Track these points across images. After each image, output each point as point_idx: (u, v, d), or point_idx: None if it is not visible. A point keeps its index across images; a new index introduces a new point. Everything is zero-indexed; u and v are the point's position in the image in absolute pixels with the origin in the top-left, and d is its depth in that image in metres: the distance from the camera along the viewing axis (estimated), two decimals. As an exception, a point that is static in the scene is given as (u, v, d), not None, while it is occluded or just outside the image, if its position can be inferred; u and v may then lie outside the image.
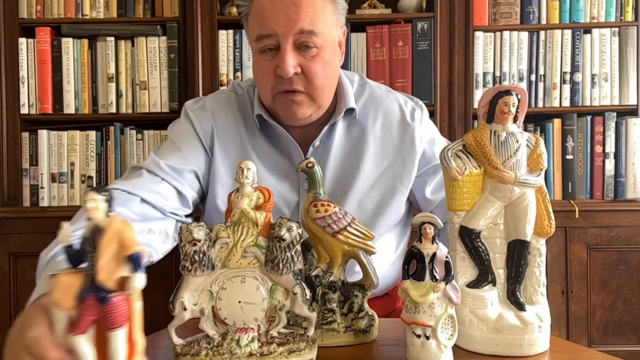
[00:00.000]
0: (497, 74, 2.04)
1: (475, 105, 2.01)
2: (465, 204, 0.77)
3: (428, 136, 1.16)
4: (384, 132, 1.13)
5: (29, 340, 0.59)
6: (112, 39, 2.05)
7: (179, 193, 1.05)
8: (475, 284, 0.76)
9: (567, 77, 2.03)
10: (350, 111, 1.12)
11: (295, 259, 0.70)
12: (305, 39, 0.99)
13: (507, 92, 0.75)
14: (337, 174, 1.11)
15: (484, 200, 0.77)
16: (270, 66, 1.01)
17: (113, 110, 2.06)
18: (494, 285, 0.77)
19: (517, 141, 0.76)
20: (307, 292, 0.71)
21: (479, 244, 0.76)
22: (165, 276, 2.00)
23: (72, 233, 0.60)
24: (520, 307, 0.76)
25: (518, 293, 0.76)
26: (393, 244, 1.18)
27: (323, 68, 1.02)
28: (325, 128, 1.10)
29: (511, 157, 0.75)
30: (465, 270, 0.77)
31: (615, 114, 2.04)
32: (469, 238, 0.76)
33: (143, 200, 0.99)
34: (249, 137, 1.12)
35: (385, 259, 1.15)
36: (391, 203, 1.12)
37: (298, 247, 0.70)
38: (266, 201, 0.71)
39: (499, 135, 0.76)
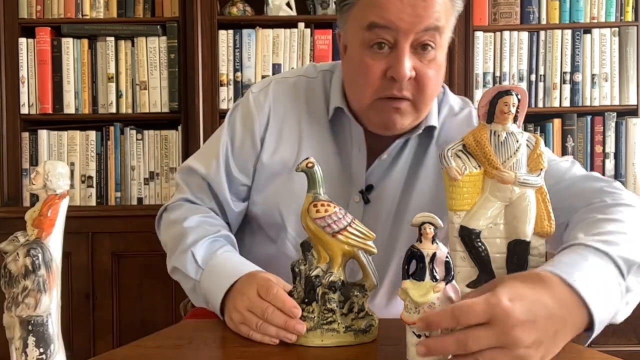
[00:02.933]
0: (497, 74, 2.04)
1: (476, 105, 2.01)
2: (465, 204, 0.77)
3: None
4: None
5: (271, 295, 0.77)
6: (112, 39, 2.05)
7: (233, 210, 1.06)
8: (475, 284, 0.76)
9: (567, 77, 2.03)
10: (429, 128, 0.99)
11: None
12: (428, 37, 0.87)
13: (507, 92, 0.75)
14: (398, 196, 1.01)
15: (484, 200, 0.77)
16: (379, 67, 0.89)
17: (113, 110, 2.06)
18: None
19: (517, 141, 0.76)
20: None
21: (479, 244, 0.76)
22: (165, 276, 2.00)
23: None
24: None
25: None
26: None
27: (436, 74, 0.91)
28: (398, 142, 0.98)
29: (511, 157, 0.75)
30: (465, 270, 0.77)
31: (615, 114, 2.04)
32: (469, 238, 0.76)
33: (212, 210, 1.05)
34: (312, 128, 1.02)
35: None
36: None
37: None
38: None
39: (499, 135, 0.76)
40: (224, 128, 1.06)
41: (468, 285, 0.76)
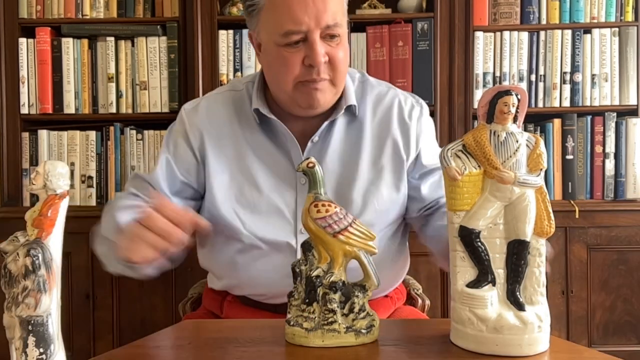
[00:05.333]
0: (497, 74, 2.04)
1: (476, 106, 2.01)
2: (465, 204, 0.77)
3: (424, 136, 1.16)
4: (382, 129, 1.14)
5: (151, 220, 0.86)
6: (112, 39, 2.05)
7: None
8: (474, 284, 0.76)
9: (567, 77, 2.03)
10: (349, 108, 1.13)
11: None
12: (331, 30, 1.02)
13: (507, 92, 0.75)
14: (336, 171, 1.12)
15: (484, 200, 0.77)
16: (297, 57, 1.03)
17: (113, 110, 2.06)
18: (494, 285, 0.77)
19: (517, 141, 0.76)
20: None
21: (479, 244, 0.76)
22: (165, 277, 2.00)
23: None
24: (519, 307, 0.75)
25: (517, 293, 0.76)
26: (394, 244, 1.18)
27: (344, 55, 1.06)
28: (325, 124, 1.11)
29: (511, 157, 0.75)
30: (465, 270, 0.77)
31: (615, 114, 2.04)
32: (469, 238, 0.76)
33: None
34: (245, 133, 1.13)
35: (387, 258, 1.15)
36: (390, 200, 1.12)
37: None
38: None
39: (498, 136, 0.76)
40: (164, 143, 1.17)
41: (468, 286, 0.76)
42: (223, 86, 1.23)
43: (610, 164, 2.03)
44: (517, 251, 0.76)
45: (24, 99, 2.05)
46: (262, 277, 1.10)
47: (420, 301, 1.30)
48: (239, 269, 1.12)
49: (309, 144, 1.11)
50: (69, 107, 2.05)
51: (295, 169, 1.09)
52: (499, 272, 0.77)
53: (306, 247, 0.79)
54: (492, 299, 0.75)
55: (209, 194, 1.12)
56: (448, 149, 0.77)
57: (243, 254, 1.11)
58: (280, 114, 1.12)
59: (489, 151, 0.75)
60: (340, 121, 1.13)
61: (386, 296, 1.21)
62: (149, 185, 1.12)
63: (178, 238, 0.87)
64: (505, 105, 0.75)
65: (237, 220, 1.09)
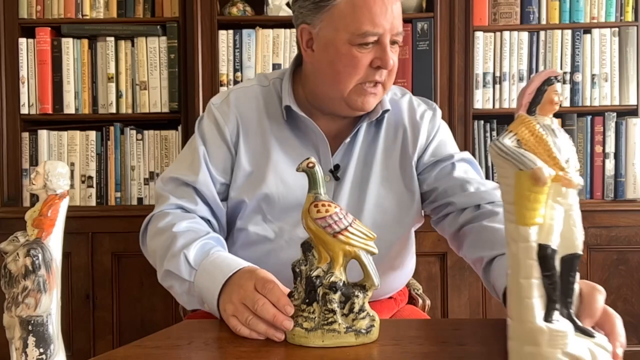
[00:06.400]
0: (497, 74, 2.04)
1: (476, 106, 2.01)
2: (541, 215, 0.60)
3: (438, 135, 1.17)
4: (394, 129, 1.16)
5: (267, 289, 0.80)
6: (112, 39, 2.05)
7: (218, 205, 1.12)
8: (548, 317, 0.61)
9: (567, 77, 2.03)
10: (382, 112, 1.14)
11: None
12: (397, 37, 1.07)
13: (557, 79, 0.64)
14: (356, 173, 1.14)
15: (550, 209, 0.61)
16: (366, 58, 1.04)
17: (113, 110, 2.06)
18: (560, 313, 0.62)
19: (569, 137, 0.64)
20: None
21: (555, 264, 0.61)
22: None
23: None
24: (589, 333, 0.63)
25: (574, 317, 0.63)
26: (404, 247, 1.18)
27: (397, 61, 1.10)
28: (359, 126, 1.13)
29: (572, 156, 0.62)
30: (541, 302, 0.62)
31: (615, 114, 2.04)
32: (550, 259, 0.61)
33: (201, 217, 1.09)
34: (272, 128, 1.13)
35: (395, 261, 1.15)
36: (401, 201, 1.13)
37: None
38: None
39: (552, 130, 0.63)
40: (196, 139, 1.14)
41: (546, 320, 0.62)
42: (248, 80, 1.23)
43: (610, 164, 2.03)
44: (571, 267, 0.63)
45: (24, 99, 2.05)
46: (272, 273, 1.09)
47: (420, 301, 1.30)
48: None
49: (342, 145, 1.12)
50: (69, 107, 2.05)
51: (322, 166, 1.08)
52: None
53: (306, 247, 0.79)
54: (570, 331, 0.61)
55: (234, 183, 1.11)
56: (507, 144, 0.62)
57: (256, 246, 1.10)
58: (310, 111, 1.13)
59: (552, 149, 0.61)
60: (364, 123, 1.15)
61: (390, 297, 1.21)
62: (195, 194, 1.09)
63: (285, 327, 0.79)
64: (556, 94, 0.64)
65: (259, 212, 1.10)
